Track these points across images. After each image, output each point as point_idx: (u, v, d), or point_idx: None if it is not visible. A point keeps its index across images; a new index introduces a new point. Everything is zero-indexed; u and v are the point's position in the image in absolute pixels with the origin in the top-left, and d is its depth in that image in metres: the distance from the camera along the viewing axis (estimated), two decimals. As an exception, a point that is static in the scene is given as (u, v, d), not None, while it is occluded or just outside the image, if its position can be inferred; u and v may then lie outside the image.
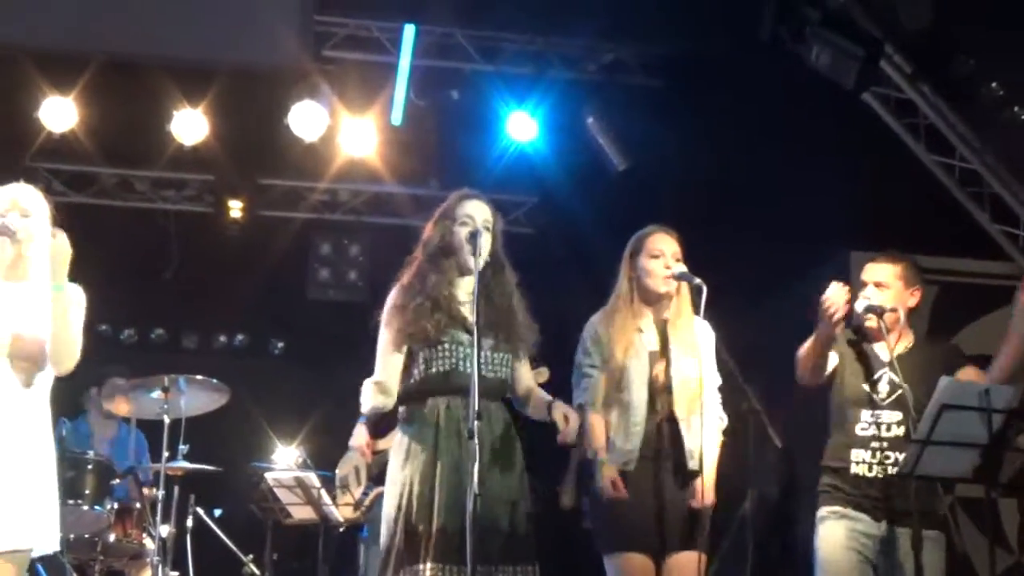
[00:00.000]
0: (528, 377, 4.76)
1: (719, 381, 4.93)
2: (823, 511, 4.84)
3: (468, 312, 4.52)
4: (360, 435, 6.68)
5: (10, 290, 4.26)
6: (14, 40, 7.83)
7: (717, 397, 4.92)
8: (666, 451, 4.77)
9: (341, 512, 7.05)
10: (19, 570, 4.16)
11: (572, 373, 4.93)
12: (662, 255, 4.86)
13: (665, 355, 4.83)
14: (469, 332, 4.45)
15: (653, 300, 4.89)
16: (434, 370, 4.50)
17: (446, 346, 4.50)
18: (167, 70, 8.26)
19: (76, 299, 4.31)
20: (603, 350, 4.83)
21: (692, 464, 4.74)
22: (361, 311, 8.96)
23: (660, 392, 4.81)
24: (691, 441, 4.76)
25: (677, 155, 7.89)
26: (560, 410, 4.48)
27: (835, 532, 4.78)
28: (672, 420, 4.78)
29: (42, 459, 4.23)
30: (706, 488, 4.70)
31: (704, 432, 4.72)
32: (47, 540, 4.24)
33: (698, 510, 4.71)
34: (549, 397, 4.63)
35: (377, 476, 6.24)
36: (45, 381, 4.29)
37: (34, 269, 4.27)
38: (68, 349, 4.21)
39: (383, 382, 4.57)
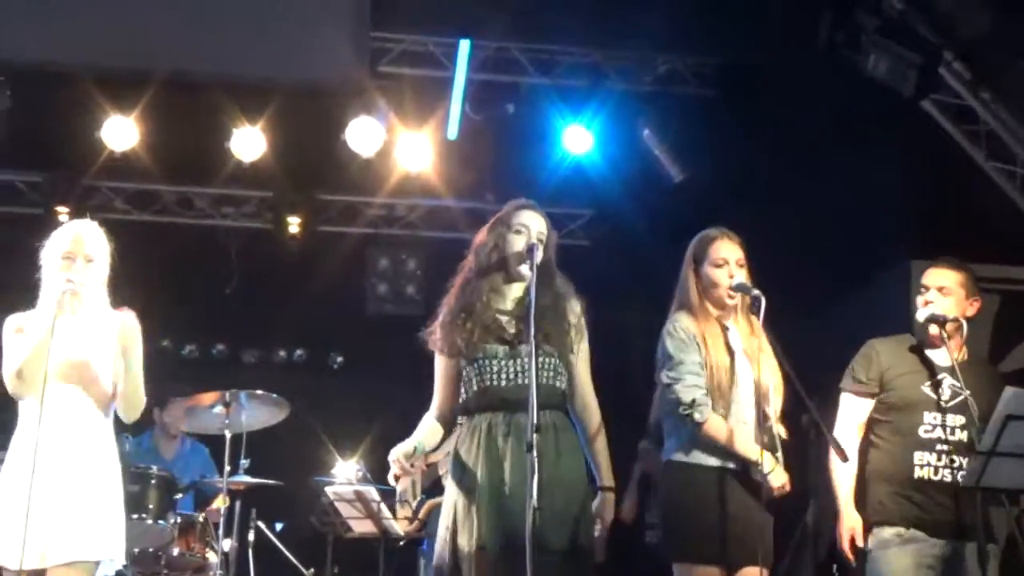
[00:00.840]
0: (582, 384, 4.62)
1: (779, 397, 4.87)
2: (886, 533, 4.76)
3: (507, 323, 4.48)
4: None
5: (67, 323, 4.44)
6: (76, 61, 7.96)
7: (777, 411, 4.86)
8: (739, 459, 4.68)
9: (401, 525, 7.07)
10: None
11: (659, 370, 4.79)
12: (725, 264, 4.77)
13: (750, 358, 4.73)
14: (505, 343, 4.43)
15: (721, 308, 4.81)
16: (475, 387, 4.47)
17: (480, 361, 4.46)
18: (226, 88, 8.34)
19: (132, 330, 4.58)
20: (700, 348, 4.69)
21: (760, 476, 4.67)
22: (418, 325, 9.06)
23: (755, 395, 4.71)
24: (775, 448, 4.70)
25: (733, 165, 7.85)
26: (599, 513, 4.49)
27: (901, 560, 4.71)
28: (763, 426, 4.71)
29: (107, 474, 4.43)
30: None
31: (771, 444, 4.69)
32: (113, 553, 4.40)
33: (765, 523, 4.65)
34: (601, 474, 4.55)
35: (429, 488, 6.27)
36: (106, 403, 4.52)
37: (89, 301, 4.52)
38: (137, 404, 4.58)
39: (438, 402, 4.59)
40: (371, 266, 9.55)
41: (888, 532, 4.77)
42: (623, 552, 7.81)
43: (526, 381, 4.34)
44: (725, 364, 4.67)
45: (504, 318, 4.51)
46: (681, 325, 4.74)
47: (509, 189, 8.92)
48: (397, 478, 4.50)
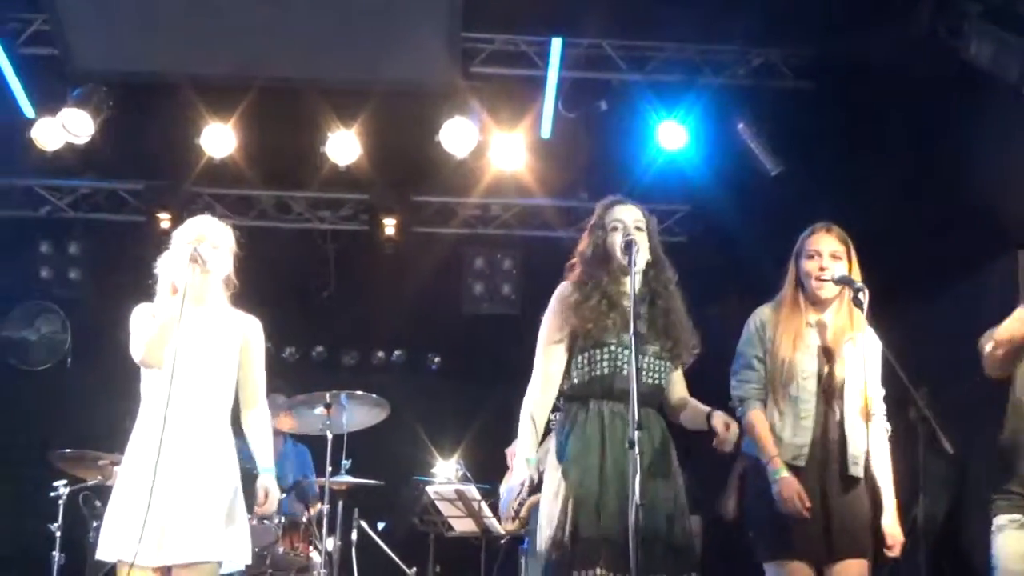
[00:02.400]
0: (682, 386, 4.70)
1: (883, 391, 4.80)
2: (1001, 519, 4.64)
3: (632, 316, 4.44)
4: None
5: (195, 314, 4.50)
6: (176, 70, 8.11)
7: (882, 407, 4.79)
8: (832, 454, 4.64)
9: (502, 524, 7.08)
10: None
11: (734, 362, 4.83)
12: (818, 255, 4.75)
13: (832, 355, 4.71)
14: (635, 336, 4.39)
15: (816, 301, 4.77)
16: (597, 372, 4.46)
17: (612, 348, 4.45)
18: (320, 93, 8.44)
19: (255, 333, 4.65)
20: (768, 341, 4.72)
21: (856, 470, 4.62)
22: (515, 324, 9.10)
23: (827, 392, 4.69)
24: (856, 446, 4.63)
25: (831, 157, 7.74)
26: (721, 418, 4.42)
27: (1015, 543, 4.60)
28: (839, 422, 4.66)
29: (231, 473, 4.48)
30: (892, 521, 4.65)
31: (871, 440, 4.62)
32: (238, 554, 4.47)
33: (860, 516, 4.59)
34: (706, 407, 4.56)
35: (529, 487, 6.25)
36: (228, 402, 4.56)
37: (214, 295, 4.59)
38: (256, 404, 4.73)
39: (547, 379, 4.50)
40: (467, 266, 9.58)
41: (1004, 519, 4.64)
42: (726, 549, 7.76)
43: (649, 379, 4.44)
44: (788, 357, 4.67)
45: (630, 312, 4.42)
46: (755, 318, 4.81)
47: (603, 187, 8.86)
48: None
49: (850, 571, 4.57)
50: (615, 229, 4.55)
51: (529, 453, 4.44)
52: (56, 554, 6.82)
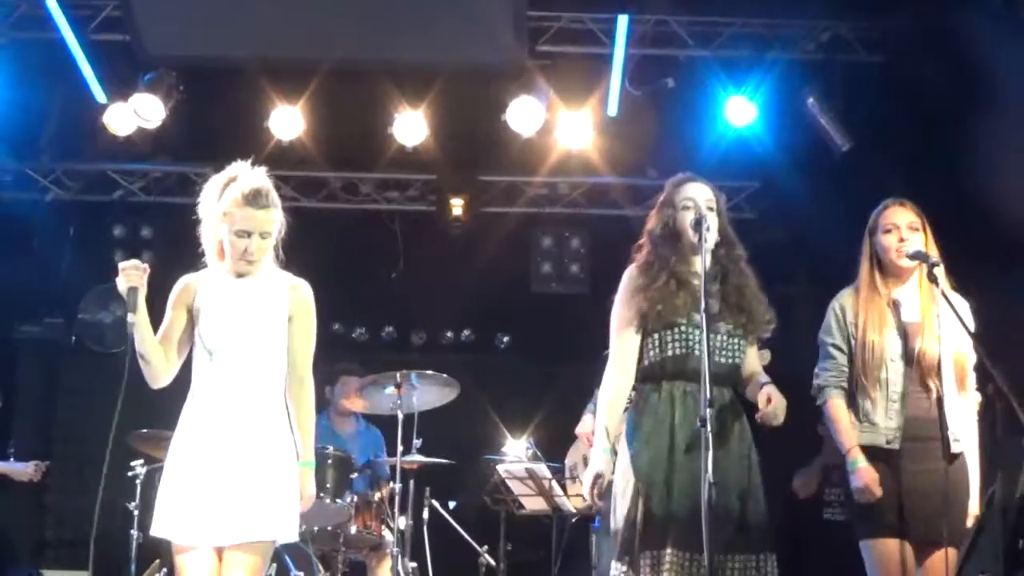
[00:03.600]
0: (754, 361, 4.66)
1: (974, 359, 4.72)
2: None
3: (702, 295, 4.42)
4: (586, 423, 6.76)
5: (239, 286, 4.36)
6: (244, 53, 8.17)
7: (973, 376, 4.72)
8: (930, 432, 4.58)
9: (573, 503, 7.08)
10: (263, 560, 4.29)
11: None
12: (895, 229, 4.70)
13: (918, 332, 4.66)
14: (706, 315, 4.36)
15: (896, 274, 4.73)
16: (670, 353, 4.45)
17: (683, 328, 4.44)
18: (388, 74, 8.46)
19: (304, 298, 4.42)
20: (849, 327, 4.69)
21: (957, 447, 4.57)
22: (584, 303, 9.10)
23: (919, 368, 4.63)
24: (955, 422, 4.59)
25: (902, 132, 7.64)
26: (765, 392, 4.40)
27: None
28: (937, 400, 4.60)
29: (282, 454, 4.33)
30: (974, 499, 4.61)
31: (965, 414, 4.60)
32: (287, 531, 4.34)
33: (957, 495, 4.55)
34: (765, 378, 4.53)
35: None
36: (279, 375, 4.38)
37: (261, 265, 4.38)
38: (303, 377, 4.45)
39: (622, 364, 4.50)
40: (535, 246, 9.55)
41: None
42: (803, 529, 7.72)
43: (722, 358, 4.42)
44: (876, 341, 4.62)
45: (701, 290, 4.42)
46: (836, 304, 4.77)
47: (671, 164, 8.82)
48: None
49: (949, 553, 4.53)
50: (686, 208, 4.53)
51: (606, 443, 4.44)
52: (134, 532, 6.94)
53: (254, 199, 4.23)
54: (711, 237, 4.46)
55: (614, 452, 4.46)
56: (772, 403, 4.35)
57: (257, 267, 4.33)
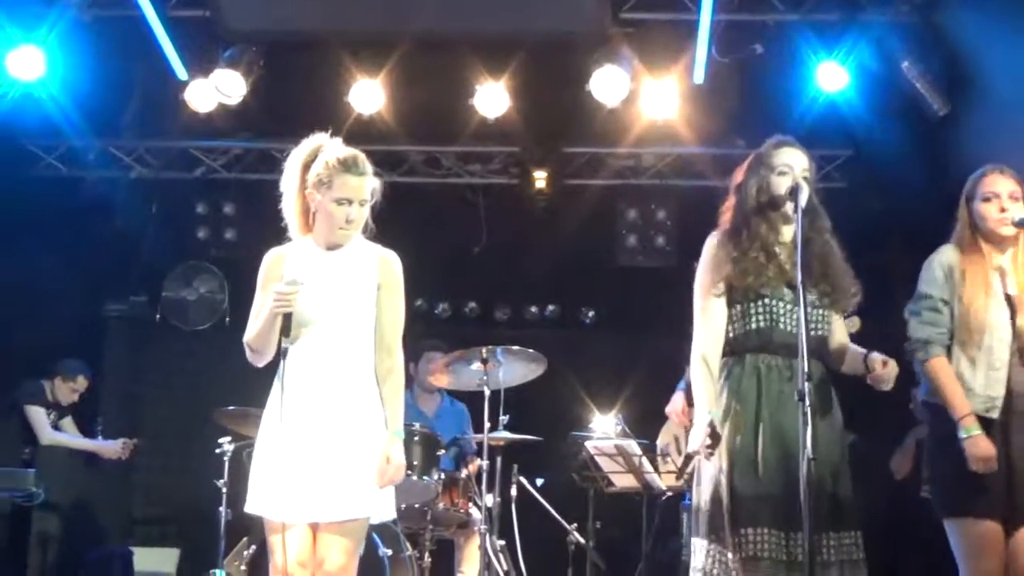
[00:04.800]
0: (841, 332, 4.54)
1: None
2: None
3: (790, 266, 4.33)
4: (676, 402, 6.64)
5: (328, 259, 4.34)
6: (324, 27, 8.11)
7: None
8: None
9: (663, 480, 6.97)
10: (358, 538, 4.28)
11: (913, 303, 4.64)
12: (996, 197, 4.57)
13: (1018, 304, 4.49)
14: (792, 287, 4.28)
15: (995, 242, 4.58)
16: (753, 326, 4.36)
17: (767, 301, 4.35)
18: (469, 46, 8.36)
19: (392, 270, 4.37)
20: (958, 285, 4.52)
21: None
22: (671, 276, 8.94)
23: (1018, 341, 4.46)
24: None
25: (1002, 96, 7.38)
26: (879, 356, 4.28)
27: None
28: None
29: (374, 429, 4.29)
30: None
31: None
32: (384, 509, 4.32)
33: None
34: (863, 349, 4.41)
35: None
36: (370, 349, 4.34)
37: (354, 235, 4.36)
38: (392, 349, 4.38)
39: (710, 331, 4.41)
40: (620, 218, 9.40)
41: None
42: (898, 509, 7.54)
43: (809, 330, 4.23)
44: (981, 304, 4.47)
45: (788, 261, 4.36)
46: (940, 258, 4.60)
47: (759, 133, 8.57)
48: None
49: None
50: (782, 173, 4.42)
51: (710, 405, 4.31)
52: (223, 509, 6.95)
53: (351, 166, 4.24)
54: (803, 205, 4.34)
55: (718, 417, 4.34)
56: (888, 366, 4.24)
57: (352, 236, 4.30)
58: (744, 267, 4.35)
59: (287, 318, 4.17)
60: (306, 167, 4.33)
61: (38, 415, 7.99)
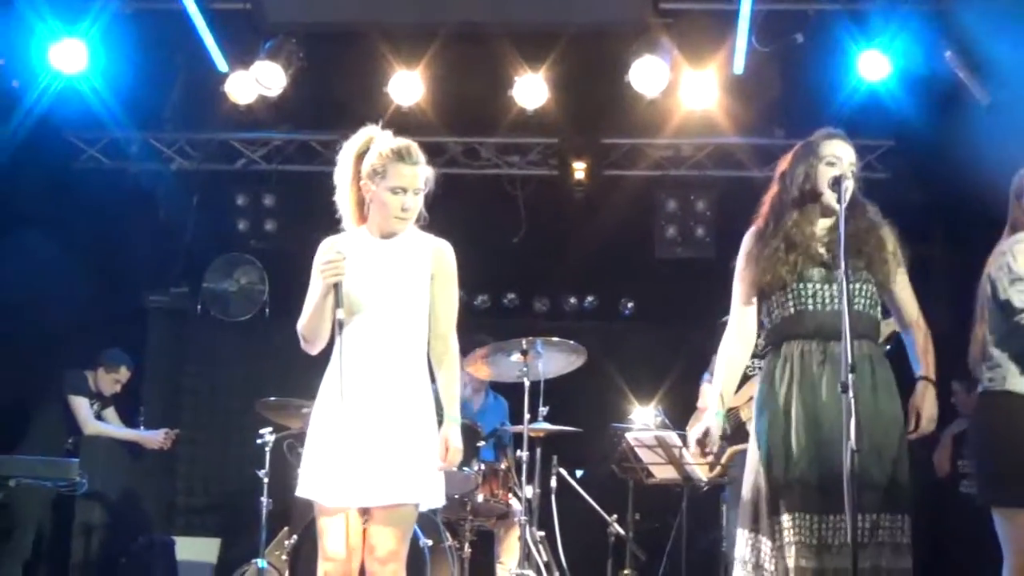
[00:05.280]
0: (910, 307, 4.50)
1: None
2: None
3: (825, 249, 4.37)
4: (705, 395, 6.64)
5: (381, 247, 4.38)
6: (364, 18, 8.12)
7: None
8: None
9: (703, 471, 6.94)
10: (408, 524, 4.33)
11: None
12: None
13: None
14: (822, 267, 4.33)
15: None
16: (788, 312, 4.39)
17: (794, 287, 4.37)
18: (508, 37, 8.34)
19: (446, 259, 4.42)
20: None
21: None
22: (710, 267, 8.91)
23: None
24: None
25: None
26: (914, 407, 4.33)
27: None
28: None
29: (425, 417, 4.34)
30: None
31: None
32: (433, 496, 4.36)
33: None
34: (923, 363, 4.41)
35: (731, 435, 6.11)
36: (422, 337, 4.39)
37: (408, 224, 4.41)
38: (446, 338, 4.46)
39: (737, 332, 4.52)
40: (659, 209, 9.35)
41: None
42: (938, 505, 7.49)
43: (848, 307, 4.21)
44: None
45: (821, 244, 4.39)
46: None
47: (800, 123, 8.57)
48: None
49: None
50: (831, 164, 4.44)
51: (719, 407, 4.45)
52: (264, 499, 6.99)
53: (404, 156, 4.31)
54: (847, 199, 4.32)
55: (726, 418, 4.49)
56: (923, 418, 4.31)
57: (407, 224, 4.35)
58: (764, 265, 4.41)
59: (338, 290, 4.21)
60: (359, 158, 4.39)
61: (82, 405, 8.05)
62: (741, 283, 4.51)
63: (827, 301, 4.32)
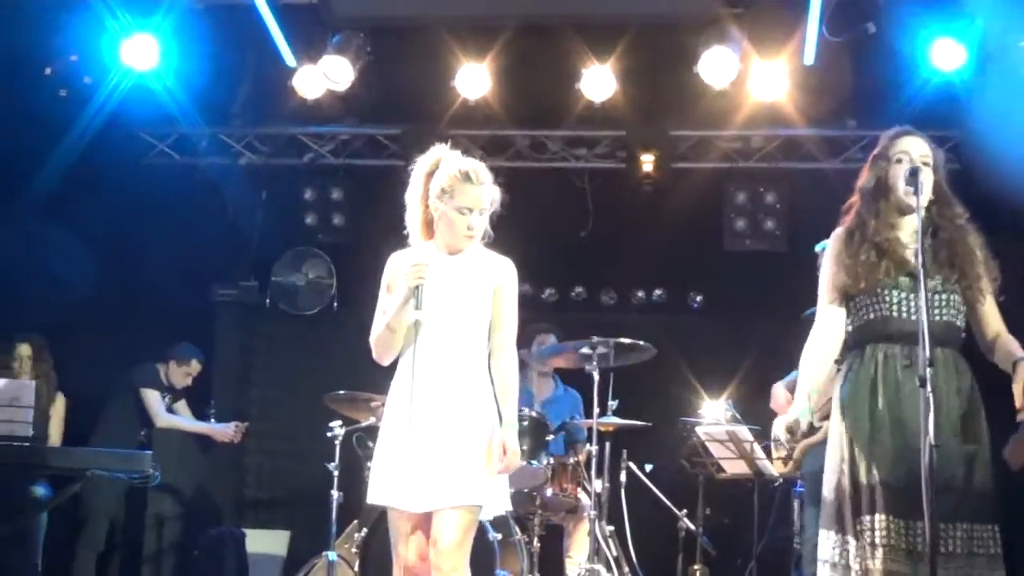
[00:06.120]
0: (994, 320, 4.40)
1: None
2: None
3: (911, 255, 4.27)
4: (778, 396, 6.60)
5: (447, 262, 4.50)
6: (431, 12, 8.13)
7: None
8: None
9: (776, 467, 6.88)
10: (472, 519, 4.38)
11: None
12: None
13: None
14: (911, 275, 4.23)
15: None
16: (872, 316, 4.32)
17: (883, 291, 4.30)
18: (575, 29, 8.30)
19: (508, 277, 4.53)
20: None
21: None
22: (781, 260, 8.81)
23: None
24: None
25: None
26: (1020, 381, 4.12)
27: None
28: None
29: (489, 425, 4.43)
30: None
31: None
32: (498, 503, 4.47)
33: None
34: (1020, 352, 4.24)
35: (806, 430, 6.04)
36: (484, 347, 4.50)
37: (474, 241, 4.54)
38: (507, 350, 4.53)
39: (823, 333, 4.44)
40: (728, 201, 9.25)
41: None
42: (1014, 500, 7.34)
43: (932, 316, 4.18)
44: None
45: (908, 251, 4.31)
46: None
47: (872, 114, 8.50)
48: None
49: None
50: (899, 161, 4.36)
51: (806, 404, 4.35)
52: (334, 492, 7.01)
53: (471, 177, 4.43)
54: (925, 191, 4.28)
55: (811, 414, 4.39)
56: None
57: (473, 242, 4.50)
58: (858, 272, 4.34)
59: (419, 292, 4.37)
60: (429, 177, 4.53)
61: (154, 398, 8.13)
62: (828, 285, 4.44)
63: (913, 311, 4.24)
